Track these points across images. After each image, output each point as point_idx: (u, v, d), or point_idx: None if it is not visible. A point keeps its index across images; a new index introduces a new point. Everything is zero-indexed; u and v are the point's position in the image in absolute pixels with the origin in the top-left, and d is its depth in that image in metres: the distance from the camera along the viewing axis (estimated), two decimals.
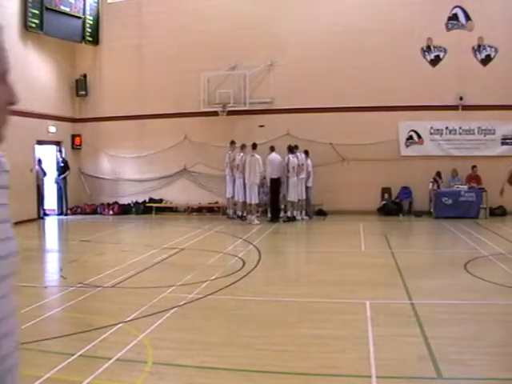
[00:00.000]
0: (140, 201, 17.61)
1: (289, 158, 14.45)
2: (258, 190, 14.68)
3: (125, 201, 17.78)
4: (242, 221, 14.65)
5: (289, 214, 14.63)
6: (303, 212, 14.99)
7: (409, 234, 13.64)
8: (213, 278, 7.88)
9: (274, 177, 14.61)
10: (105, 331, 5.46)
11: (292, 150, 14.65)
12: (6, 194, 1.40)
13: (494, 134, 15.40)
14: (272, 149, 14.90)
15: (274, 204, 14.81)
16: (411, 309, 6.14)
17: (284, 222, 14.52)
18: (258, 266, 8.85)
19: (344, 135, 15.87)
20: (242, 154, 14.85)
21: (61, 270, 8.95)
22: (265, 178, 14.98)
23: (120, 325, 5.70)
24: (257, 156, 14.45)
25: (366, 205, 15.81)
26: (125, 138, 17.63)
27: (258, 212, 14.94)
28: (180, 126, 17.05)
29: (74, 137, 18.15)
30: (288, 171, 14.45)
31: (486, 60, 15.38)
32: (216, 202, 17.08)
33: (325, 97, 15.89)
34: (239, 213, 14.99)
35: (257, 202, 14.55)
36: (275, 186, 14.67)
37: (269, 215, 14.92)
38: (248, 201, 14.53)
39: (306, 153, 15.05)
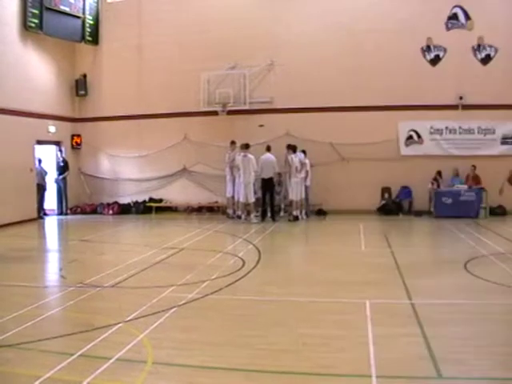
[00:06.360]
0: (140, 200, 17.61)
1: (292, 158, 14.42)
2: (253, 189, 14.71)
3: (125, 200, 17.78)
4: (238, 219, 14.73)
5: (294, 213, 14.64)
6: (303, 211, 15.00)
7: (409, 234, 13.62)
8: (213, 277, 7.88)
9: (265, 177, 14.61)
10: (105, 331, 5.47)
11: (295, 149, 14.63)
12: None
13: (493, 133, 15.40)
14: (268, 149, 14.89)
15: (264, 204, 14.78)
16: (411, 309, 6.14)
17: (290, 221, 14.55)
18: (258, 265, 8.85)
19: (344, 135, 15.88)
20: (241, 153, 14.80)
21: (61, 269, 8.96)
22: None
23: (120, 324, 5.70)
24: (249, 156, 14.44)
25: (366, 204, 15.82)
26: (125, 138, 17.64)
27: (257, 212, 14.94)
28: (180, 126, 17.06)
29: (73, 136, 18.16)
30: (290, 171, 14.43)
31: (486, 60, 15.37)
32: (216, 202, 17.09)
33: (325, 97, 15.88)
34: (239, 212, 15.00)
35: (253, 200, 14.55)
36: (266, 186, 14.65)
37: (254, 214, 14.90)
38: (242, 199, 14.57)
39: (304, 152, 15.05)
